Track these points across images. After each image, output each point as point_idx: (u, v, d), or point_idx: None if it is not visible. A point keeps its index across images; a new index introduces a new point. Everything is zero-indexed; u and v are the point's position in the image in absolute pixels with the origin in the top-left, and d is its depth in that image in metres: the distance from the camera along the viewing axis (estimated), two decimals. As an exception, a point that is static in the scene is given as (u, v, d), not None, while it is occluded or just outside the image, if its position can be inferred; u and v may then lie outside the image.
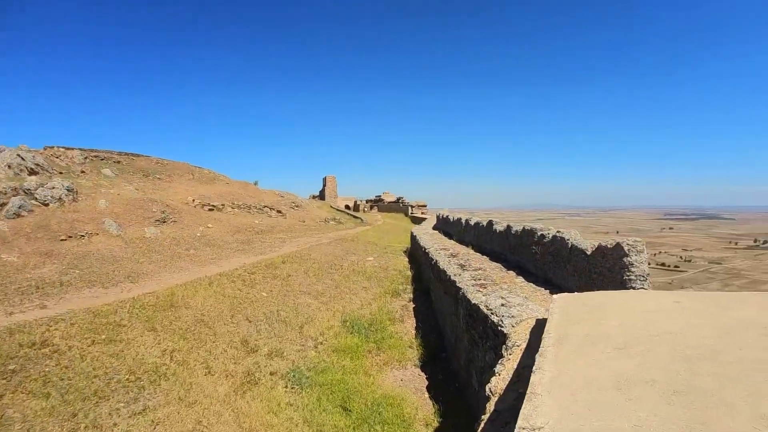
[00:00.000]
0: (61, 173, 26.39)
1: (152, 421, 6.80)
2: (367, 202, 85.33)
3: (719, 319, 3.77)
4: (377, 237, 31.84)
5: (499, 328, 6.18)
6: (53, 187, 19.77)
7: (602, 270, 7.34)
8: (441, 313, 11.96)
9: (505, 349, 5.42)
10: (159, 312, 10.72)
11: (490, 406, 4.33)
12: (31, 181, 19.58)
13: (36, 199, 18.70)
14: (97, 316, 9.90)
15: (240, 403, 7.92)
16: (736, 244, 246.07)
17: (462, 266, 11.70)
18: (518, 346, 5.29)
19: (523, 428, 2.26)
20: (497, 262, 12.60)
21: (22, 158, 24.33)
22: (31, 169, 24.15)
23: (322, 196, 79.72)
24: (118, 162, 35.94)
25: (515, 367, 4.73)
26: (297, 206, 44.55)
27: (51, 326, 9.09)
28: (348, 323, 12.09)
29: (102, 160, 34.85)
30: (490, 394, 4.53)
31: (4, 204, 17.03)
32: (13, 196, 17.74)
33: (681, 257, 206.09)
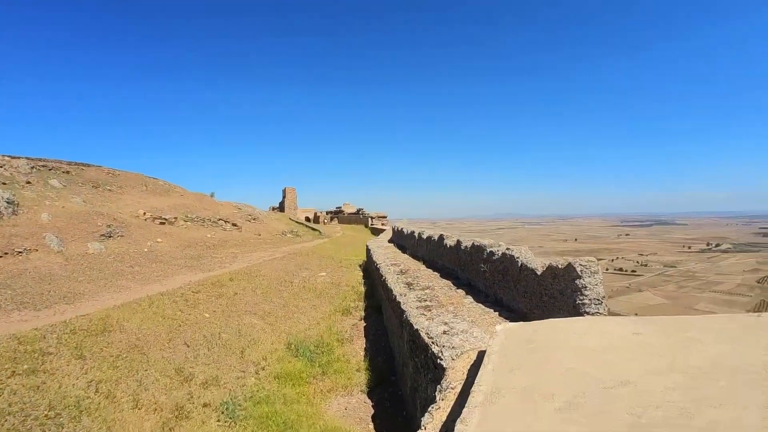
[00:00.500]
0: (4, 183, 25.19)
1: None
2: (327, 213, 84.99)
3: (686, 359, 3.26)
4: (334, 250, 31.52)
5: (439, 361, 5.82)
6: (-9, 200, 18.86)
7: (553, 292, 6.81)
8: (391, 333, 11.62)
9: (439, 390, 5.02)
10: (91, 337, 10.04)
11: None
12: (-35, 194, 18.66)
13: (-30, 212, 17.80)
14: (22, 343, 9.20)
15: (167, 442, 7.42)
16: (690, 248, 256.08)
17: (409, 285, 11.37)
18: (452, 389, 4.87)
19: None
20: (448, 279, 12.32)
21: (-42, 169, 23.24)
22: (-32, 179, 23.07)
23: (281, 208, 78.92)
24: (67, 172, 34.49)
25: (444, 419, 4.20)
26: (254, 219, 43.82)
27: (-33, 357, 8.42)
28: (293, 346, 11.64)
29: (50, 170, 33.35)
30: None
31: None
32: (-56, 210, 16.86)
33: (638, 262, 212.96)
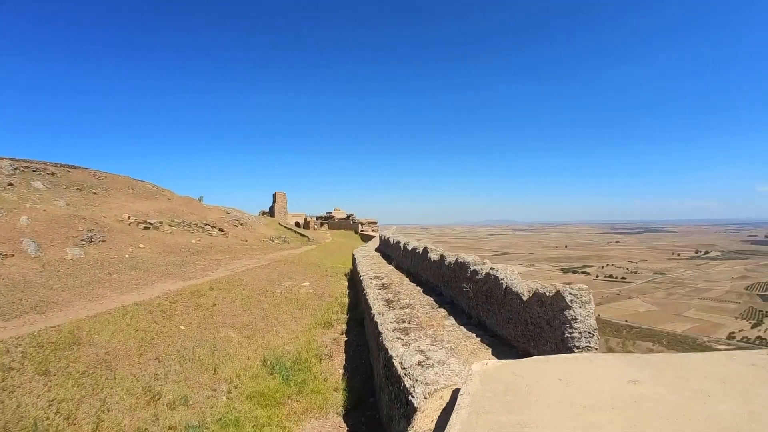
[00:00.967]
0: (-16, 185, 24.85)
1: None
2: (317, 218, 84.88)
3: (693, 423, 2.74)
4: (321, 257, 31.23)
5: (410, 398, 5.35)
6: (-33, 203, 18.45)
7: (540, 321, 6.24)
8: (371, 351, 11.18)
9: (408, 436, 4.53)
10: (58, 351, 9.64)
11: None
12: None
13: (-56, 216, 17.38)
14: (-16, 358, 8.90)
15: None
16: (679, 255, 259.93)
17: (389, 303, 10.98)
18: (421, 438, 4.35)
19: None
20: (430, 295, 11.99)
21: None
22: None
23: (272, 212, 78.68)
24: (52, 174, 33.97)
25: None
26: (241, 224, 43.40)
27: None
28: (269, 362, 11.15)
29: (34, 171, 32.82)
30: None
31: None
32: None
33: (627, 269, 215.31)
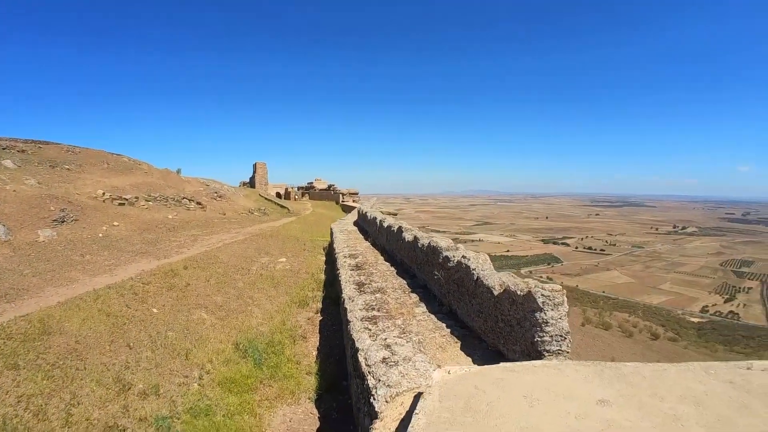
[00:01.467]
0: (-50, 165, 24.23)
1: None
2: (298, 189, 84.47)
3: None
4: (301, 230, 31.09)
5: (372, 400, 5.20)
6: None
7: (510, 320, 6.04)
8: (344, 334, 10.92)
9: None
10: (27, 342, 9.38)
11: None
12: None
13: None
14: (-50, 354, 8.58)
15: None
16: (657, 229, 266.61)
17: (360, 285, 10.96)
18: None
19: None
20: (404, 277, 12.05)
21: None
22: None
23: (252, 183, 77.89)
24: (23, 151, 32.89)
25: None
26: (220, 197, 42.94)
27: None
28: (242, 346, 11.07)
29: (4, 149, 31.69)
30: None
31: None
32: None
33: (606, 241, 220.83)
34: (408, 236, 12.95)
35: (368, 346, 6.72)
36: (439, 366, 5.76)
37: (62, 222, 20.34)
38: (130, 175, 36.89)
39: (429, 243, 10.51)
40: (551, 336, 5.35)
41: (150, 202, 30.92)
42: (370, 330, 7.57)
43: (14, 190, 21.95)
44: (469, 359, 6.39)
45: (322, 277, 17.92)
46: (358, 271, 12.81)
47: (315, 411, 8.90)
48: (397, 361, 6.05)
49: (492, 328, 6.65)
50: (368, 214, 23.23)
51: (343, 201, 68.48)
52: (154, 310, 12.37)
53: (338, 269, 13.47)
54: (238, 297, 14.60)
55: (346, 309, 9.21)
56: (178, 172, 48.65)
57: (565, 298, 5.49)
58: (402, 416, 4.43)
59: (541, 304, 5.36)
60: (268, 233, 27.40)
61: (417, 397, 4.01)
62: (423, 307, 9.11)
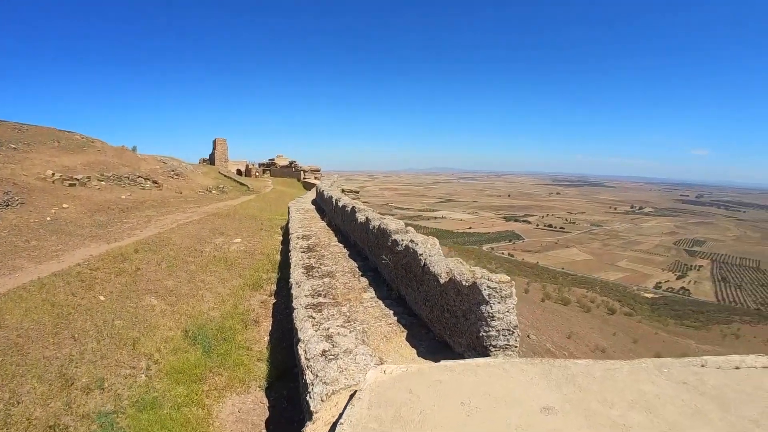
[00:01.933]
0: None
1: None
2: (260, 165, 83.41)
3: None
4: (259, 209, 30.67)
5: (308, 398, 4.97)
6: None
7: (456, 311, 5.72)
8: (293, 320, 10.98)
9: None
10: None
11: None
12: None
13: None
14: None
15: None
16: (616, 209, 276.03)
17: (309, 269, 10.70)
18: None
19: None
20: (355, 260, 11.91)
21: None
22: None
23: (212, 160, 76.26)
24: (-35, 132, 31.62)
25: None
26: (177, 175, 41.90)
27: None
28: (191, 333, 10.79)
29: (-56, 130, 30.46)
30: None
31: None
32: None
33: (567, 219, 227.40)
34: (360, 217, 12.63)
35: (309, 337, 6.50)
36: (381, 360, 5.68)
37: (7, 206, 19.47)
38: (83, 154, 35.60)
39: (379, 225, 10.18)
40: (498, 330, 5.03)
41: (103, 182, 29.96)
42: (314, 318, 7.35)
43: (-46, 173, 20.98)
44: (414, 351, 6.15)
45: (278, 258, 17.67)
46: (309, 254, 12.57)
47: (265, 400, 8.78)
48: (338, 354, 5.84)
49: (438, 318, 6.39)
50: (325, 193, 22.72)
51: (304, 178, 67.78)
52: (102, 298, 11.91)
53: (290, 251, 13.35)
54: (190, 281, 14.21)
55: (292, 294, 9.04)
56: (134, 149, 47.31)
57: (514, 290, 5.15)
58: (334, 418, 4.06)
59: (487, 297, 5.02)
60: (225, 212, 26.89)
61: (352, 397, 3.71)
62: (371, 293, 8.90)
